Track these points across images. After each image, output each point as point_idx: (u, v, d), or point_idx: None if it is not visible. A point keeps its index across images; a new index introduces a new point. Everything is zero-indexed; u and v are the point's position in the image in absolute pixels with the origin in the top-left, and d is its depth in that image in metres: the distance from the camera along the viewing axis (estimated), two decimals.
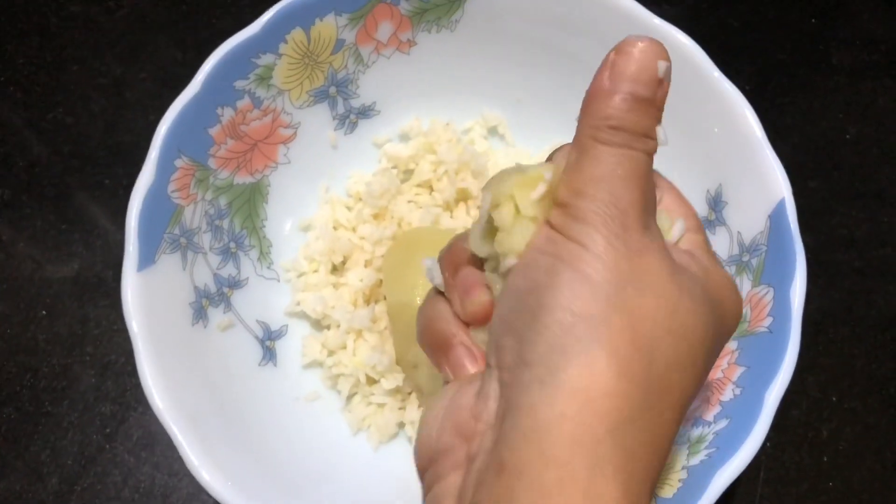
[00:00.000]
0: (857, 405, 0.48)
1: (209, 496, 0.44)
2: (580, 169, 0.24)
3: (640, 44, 0.24)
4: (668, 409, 0.23)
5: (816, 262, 0.50)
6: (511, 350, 0.23)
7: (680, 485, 0.36)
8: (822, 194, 0.53)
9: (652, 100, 0.24)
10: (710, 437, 0.37)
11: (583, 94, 0.34)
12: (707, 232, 0.43)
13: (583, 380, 0.21)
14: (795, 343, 0.37)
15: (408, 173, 0.49)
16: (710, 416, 0.38)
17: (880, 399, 0.48)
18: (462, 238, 0.29)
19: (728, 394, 0.38)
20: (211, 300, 0.41)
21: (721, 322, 0.25)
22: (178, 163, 0.40)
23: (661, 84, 0.24)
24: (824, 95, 0.56)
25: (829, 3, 0.59)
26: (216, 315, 0.42)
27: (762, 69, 0.57)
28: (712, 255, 0.28)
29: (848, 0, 0.59)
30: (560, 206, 0.24)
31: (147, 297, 0.38)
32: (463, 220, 0.47)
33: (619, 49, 0.24)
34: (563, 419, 0.21)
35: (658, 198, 0.29)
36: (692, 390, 0.24)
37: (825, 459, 0.47)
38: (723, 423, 0.37)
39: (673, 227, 0.28)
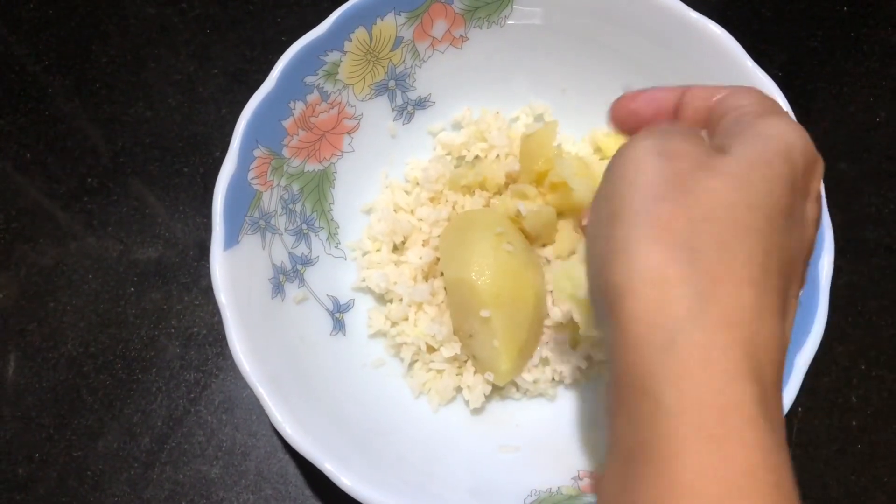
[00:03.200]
0: (885, 373, 0.50)
1: (285, 454, 0.49)
2: None
3: None
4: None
5: (846, 240, 0.53)
6: None
7: None
8: (853, 175, 0.55)
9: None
10: None
11: (622, 83, 0.40)
12: None
13: None
14: (823, 312, 0.40)
15: (460, 159, 0.53)
16: None
17: None
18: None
19: None
20: (287, 276, 0.45)
21: (781, 173, 0.26)
22: (257, 153, 0.44)
23: None
24: (854, 80, 0.58)
25: None
26: (292, 289, 0.45)
27: (794, 56, 0.59)
28: (765, 110, 0.29)
29: None
30: None
31: (232, 273, 0.41)
32: (510, 203, 0.50)
33: None
34: None
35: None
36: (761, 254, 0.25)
37: (853, 423, 0.49)
38: None
39: None
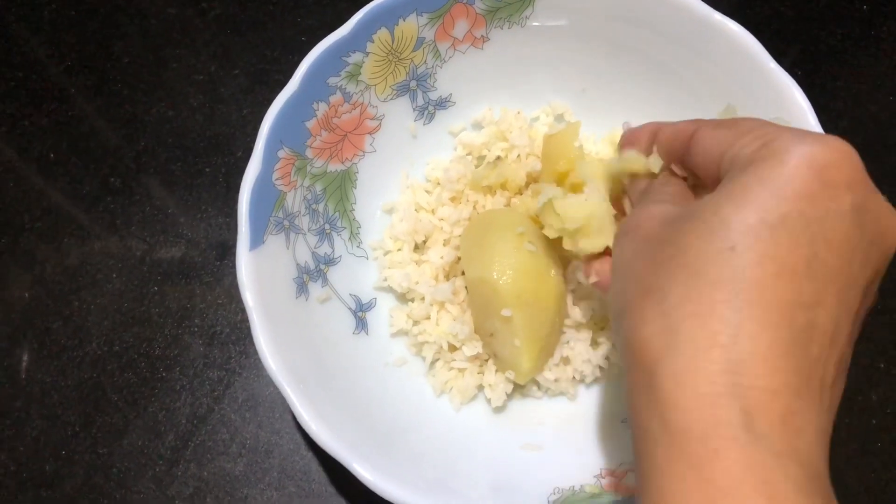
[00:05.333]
0: None
1: (308, 451, 0.49)
2: None
3: None
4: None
5: None
6: None
7: None
8: (872, 173, 0.55)
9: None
10: None
11: (642, 82, 0.43)
12: None
13: None
14: None
15: (481, 159, 0.53)
16: None
17: None
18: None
19: None
20: (311, 276, 0.46)
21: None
22: (281, 153, 0.44)
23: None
24: (874, 79, 0.58)
25: None
26: (315, 289, 0.46)
27: (814, 55, 0.59)
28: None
29: None
30: None
31: (258, 273, 0.41)
32: (531, 203, 0.51)
33: None
34: None
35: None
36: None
37: (874, 422, 0.50)
38: None
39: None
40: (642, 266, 0.29)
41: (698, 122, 0.33)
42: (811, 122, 0.43)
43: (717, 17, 0.45)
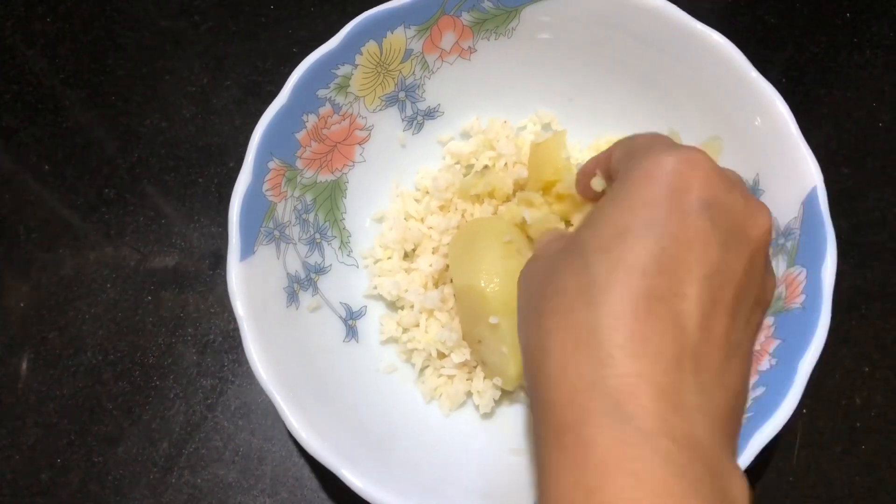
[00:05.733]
0: (889, 375, 0.51)
1: (300, 458, 0.50)
2: None
3: None
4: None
5: (850, 244, 0.54)
6: None
7: None
8: (856, 179, 0.56)
9: None
10: (749, 402, 0.41)
11: (627, 91, 0.45)
12: None
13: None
14: (826, 318, 0.41)
15: (469, 168, 0.54)
16: (749, 385, 0.42)
17: None
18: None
19: (765, 364, 0.42)
20: (301, 285, 0.47)
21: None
22: (271, 165, 0.45)
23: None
24: (858, 86, 0.59)
25: None
26: (306, 298, 0.47)
27: (798, 62, 0.60)
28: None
29: None
30: None
31: (248, 284, 0.42)
32: (517, 211, 0.51)
33: None
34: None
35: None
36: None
37: (858, 425, 0.50)
38: (760, 391, 0.41)
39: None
40: (533, 287, 0.32)
41: (618, 143, 0.36)
42: (792, 130, 0.44)
43: (699, 26, 0.46)
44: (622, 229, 0.28)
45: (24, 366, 0.52)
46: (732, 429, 0.29)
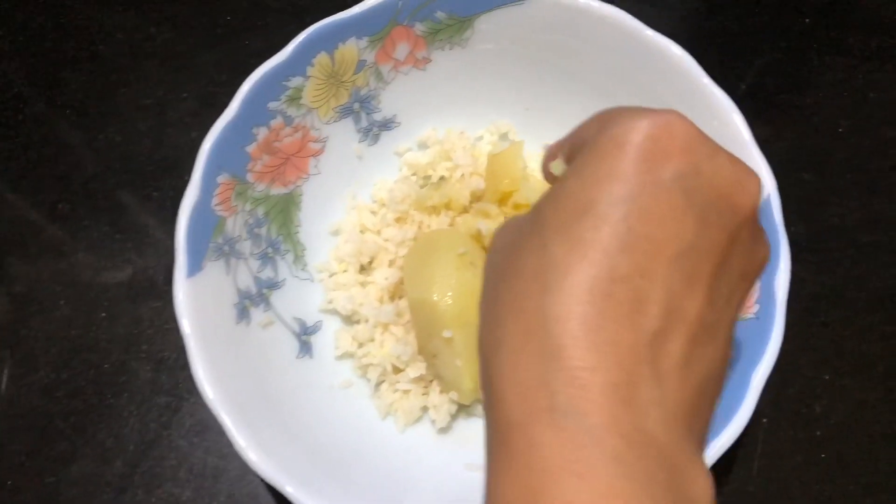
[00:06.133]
0: (848, 383, 0.51)
1: (255, 476, 0.49)
2: None
3: None
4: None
5: (810, 250, 0.54)
6: None
7: None
8: (817, 185, 0.56)
9: None
10: None
11: (583, 100, 0.41)
12: None
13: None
14: (780, 328, 0.41)
15: (426, 179, 0.53)
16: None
17: (869, 377, 0.51)
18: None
19: None
20: (252, 301, 0.46)
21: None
22: (220, 179, 0.44)
23: None
24: (818, 92, 0.59)
25: (821, 5, 0.62)
26: (257, 314, 0.46)
27: (759, 69, 0.60)
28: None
29: (838, 3, 0.62)
30: None
31: (196, 301, 0.42)
32: (473, 222, 0.51)
33: None
34: None
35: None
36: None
37: (818, 433, 0.50)
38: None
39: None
40: (494, 270, 0.29)
41: (594, 115, 0.31)
42: (746, 137, 0.44)
43: (650, 33, 0.46)
44: (585, 205, 0.25)
45: None
46: (698, 421, 0.26)
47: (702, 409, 0.26)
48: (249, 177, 0.47)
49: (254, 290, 0.46)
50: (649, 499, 0.22)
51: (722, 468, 0.48)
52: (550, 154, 0.37)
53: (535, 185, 0.49)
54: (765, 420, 0.50)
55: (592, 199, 0.25)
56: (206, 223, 0.44)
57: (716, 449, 0.39)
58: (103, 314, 0.53)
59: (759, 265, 0.29)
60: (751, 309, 0.42)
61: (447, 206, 0.51)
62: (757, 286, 0.42)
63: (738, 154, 0.44)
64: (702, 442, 0.26)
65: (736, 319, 0.28)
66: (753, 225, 0.28)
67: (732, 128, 0.44)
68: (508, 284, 0.27)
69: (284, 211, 0.49)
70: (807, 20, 0.61)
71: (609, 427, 0.23)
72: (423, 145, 0.54)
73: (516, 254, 0.27)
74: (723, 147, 0.27)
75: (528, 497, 0.23)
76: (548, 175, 0.37)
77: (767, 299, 0.41)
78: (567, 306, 0.24)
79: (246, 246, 0.46)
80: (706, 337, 0.26)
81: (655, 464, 0.23)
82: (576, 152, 0.29)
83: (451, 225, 0.50)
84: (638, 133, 0.25)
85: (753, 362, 0.40)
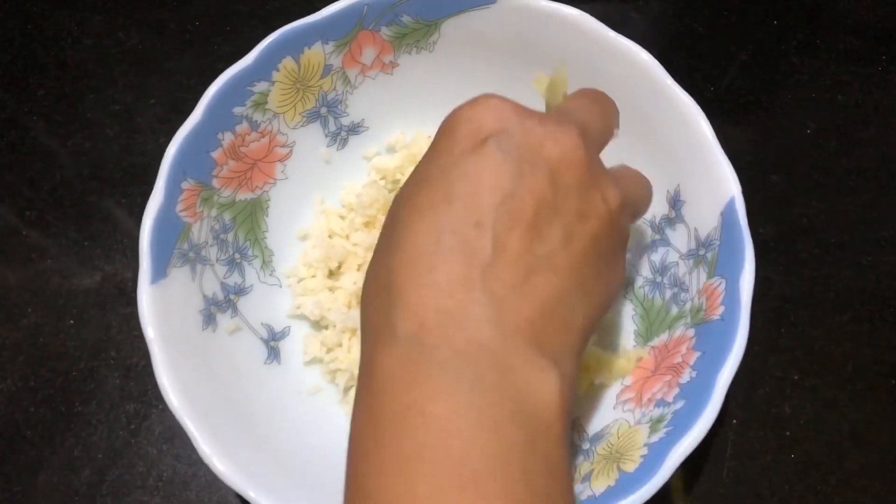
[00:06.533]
0: (817, 383, 0.51)
1: (225, 483, 0.49)
2: None
3: None
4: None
5: (778, 251, 0.54)
6: None
7: (641, 460, 0.39)
8: (783, 186, 0.56)
9: None
10: (669, 416, 0.40)
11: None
12: (668, 228, 0.48)
13: None
14: (745, 329, 0.40)
15: (395, 183, 0.53)
16: (670, 398, 0.42)
17: (838, 377, 0.51)
18: None
19: (686, 377, 0.41)
20: (219, 307, 0.46)
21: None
22: (185, 185, 0.44)
23: None
24: (785, 93, 0.59)
25: (788, 6, 0.62)
26: (224, 320, 0.46)
27: (726, 71, 0.60)
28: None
29: (806, 4, 0.62)
30: None
31: (161, 307, 0.41)
32: None
33: None
34: None
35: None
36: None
37: (787, 434, 0.50)
38: (680, 404, 0.40)
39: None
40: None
41: None
42: (710, 139, 0.44)
43: (612, 35, 0.46)
44: (421, 178, 0.32)
45: None
46: (550, 339, 0.30)
47: (551, 329, 0.30)
48: (215, 182, 0.46)
49: (220, 295, 0.46)
50: (477, 394, 0.26)
51: (692, 470, 0.48)
52: None
53: None
54: (734, 421, 0.50)
55: (427, 173, 0.31)
56: (170, 229, 0.43)
57: (682, 448, 0.38)
58: (71, 321, 0.53)
59: (603, 204, 0.33)
60: (716, 310, 0.42)
61: None
62: (721, 287, 0.43)
63: (702, 157, 0.45)
64: (561, 357, 0.30)
65: (593, 252, 0.32)
66: (579, 171, 0.32)
67: (697, 130, 0.44)
68: (376, 248, 0.33)
69: (251, 216, 0.49)
70: (775, 22, 0.61)
71: (439, 345, 0.27)
72: (391, 149, 0.54)
73: (386, 221, 0.33)
74: (537, 112, 0.32)
75: (367, 410, 0.28)
76: None
77: (732, 301, 0.41)
78: (406, 257, 0.29)
79: (212, 252, 0.46)
80: (542, 267, 0.30)
81: (486, 366, 0.27)
82: None
83: None
84: (461, 116, 0.32)
85: (719, 364, 0.40)
